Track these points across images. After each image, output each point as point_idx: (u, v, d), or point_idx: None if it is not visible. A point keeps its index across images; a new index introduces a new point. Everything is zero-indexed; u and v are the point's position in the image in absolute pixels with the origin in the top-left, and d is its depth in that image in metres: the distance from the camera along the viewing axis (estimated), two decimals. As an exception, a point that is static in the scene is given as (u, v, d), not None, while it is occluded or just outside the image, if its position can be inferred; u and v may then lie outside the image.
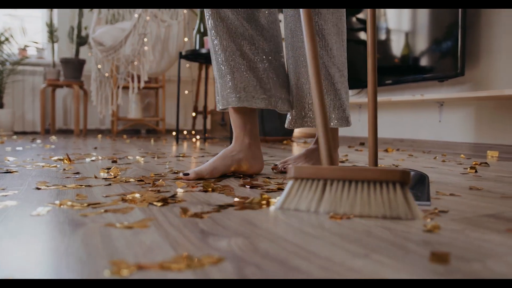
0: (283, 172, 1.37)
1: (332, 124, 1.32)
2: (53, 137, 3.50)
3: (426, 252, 0.53)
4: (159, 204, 0.80)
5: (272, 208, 0.79)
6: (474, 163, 1.70)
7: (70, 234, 0.59)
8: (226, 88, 1.27)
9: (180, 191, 0.97)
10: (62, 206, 0.78)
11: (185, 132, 4.36)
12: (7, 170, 1.30)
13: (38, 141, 3.00)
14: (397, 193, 0.73)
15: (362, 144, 3.17)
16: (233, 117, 1.30)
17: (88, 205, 0.79)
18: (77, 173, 1.27)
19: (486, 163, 1.70)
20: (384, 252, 0.53)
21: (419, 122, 2.82)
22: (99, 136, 3.96)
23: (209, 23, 1.28)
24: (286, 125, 1.39)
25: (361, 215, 0.72)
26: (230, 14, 1.25)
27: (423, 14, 2.56)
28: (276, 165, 1.41)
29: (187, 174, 1.15)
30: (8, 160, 1.61)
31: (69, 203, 0.79)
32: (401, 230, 0.63)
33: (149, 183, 1.08)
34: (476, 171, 1.43)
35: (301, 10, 0.96)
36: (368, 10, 1.06)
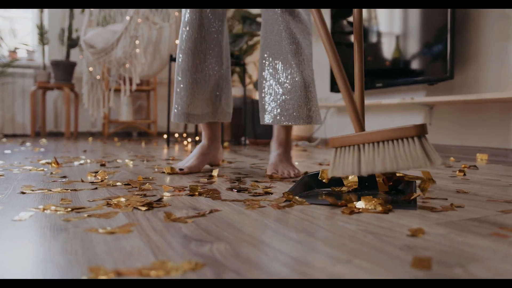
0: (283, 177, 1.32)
1: (301, 122, 1.34)
2: (43, 140, 3.48)
3: (409, 257, 0.53)
4: (144, 208, 0.79)
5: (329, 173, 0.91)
6: (463, 166, 1.71)
7: (50, 240, 0.58)
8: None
9: (166, 195, 0.96)
10: (45, 211, 0.77)
11: (176, 135, 4.34)
12: (-7, 173, 1.29)
13: (28, 144, 2.98)
14: (416, 146, 0.82)
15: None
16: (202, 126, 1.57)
17: (72, 209, 0.78)
18: (64, 177, 1.26)
19: (475, 166, 1.71)
20: (366, 257, 0.53)
21: (409, 125, 2.82)
22: (90, 139, 3.94)
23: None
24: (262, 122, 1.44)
25: (392, 170, 0.83)
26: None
27: (414, 17, 2.57)
28: (272, 174, 1.35)
29: (182, 170, 1.36)
30: (-5, 164, 1.59)
31: (53, 207, 0.78)
32: (384, 235, 0.63)
33: (136, 187, 1.07)
34: (464, 174, 1.43)
35: (313, 10, 1.07)
36: (355, 12, 1.08)
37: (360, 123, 0.97)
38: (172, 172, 1.38)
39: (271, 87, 1.38)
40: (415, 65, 2.58)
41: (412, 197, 0.89)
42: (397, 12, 2.70)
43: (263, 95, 1.40)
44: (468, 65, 2.39)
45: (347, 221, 0.73)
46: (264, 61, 1.40)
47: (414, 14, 2.56)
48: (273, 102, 1.36)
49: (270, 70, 1.38)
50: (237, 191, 1.03)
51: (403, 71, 2.65)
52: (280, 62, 1.37)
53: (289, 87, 1.34)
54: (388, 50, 2.78)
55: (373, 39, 2.93)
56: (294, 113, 1.33)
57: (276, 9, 1.39)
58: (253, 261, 0.51)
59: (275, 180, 1.26)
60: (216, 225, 0.68)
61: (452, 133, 2.51)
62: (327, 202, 0.87)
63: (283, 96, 1.34)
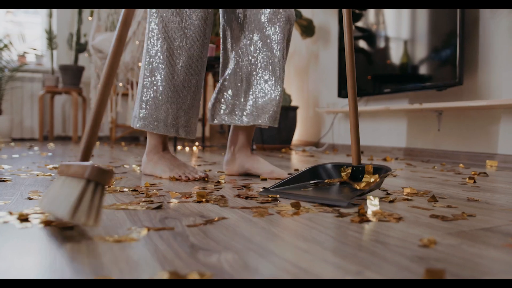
0: (263, 179, 1.42)
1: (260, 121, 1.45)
2: (51, 144, 3.49)
3: (421, 269, 0.52)
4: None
5: None
6: (472, 173, 1.69)
7: (56, 248, 0.58)
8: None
9: (173, 201, 0.96)
10: (51, 217, 0.76)
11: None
12: (1, 178, 1.29)
13: (36, 148, 2.99)
14: (77, 191, 0.64)
15: (360, 152, 3.15)
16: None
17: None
18: (71, 182, 1.26)
19: (485, 173, 1.69)
20: (377, 268, 0.52)
21: (417, 131, 2.81)
22: (97, 143, 3.95)
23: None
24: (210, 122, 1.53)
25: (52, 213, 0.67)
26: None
27: (423, 22, 2.56)
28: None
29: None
30: (3, 168, 1.59)
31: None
32: (395, 245, 0.62)
33: (143, 193, 1.06)
34: (474, 182, 1.42)
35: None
36: (344, 12, 1.10)
37: (85, 152, 0.75)
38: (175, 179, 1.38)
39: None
40: (423, 70, 2.56)
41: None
42: (406, 17, 2.68)
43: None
44: (478, 70, 2.37)
45: (357, 230, 0.71)
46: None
47: (423, 18, 2.55)
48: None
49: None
50: (245, 198, 1.02)
51: (412, 76, 2.63)
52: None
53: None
54: (396, 55, 2.77)
55: (381, 44, 2.91)
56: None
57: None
58: (262, 272, 0.50)
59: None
60: (224, 233, 0.68)
61: (461, 139, 2.49)
62: (292, 195, 1.00)
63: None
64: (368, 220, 0.79)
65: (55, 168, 1.62)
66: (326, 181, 1.17)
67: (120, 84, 3.91)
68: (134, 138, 4.95)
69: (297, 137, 4.15)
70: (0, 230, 0.67)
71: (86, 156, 0.74)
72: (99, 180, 0.64)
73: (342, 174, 1.15)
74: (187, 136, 1.45)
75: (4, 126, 4.11)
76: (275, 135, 3.47)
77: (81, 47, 4.35)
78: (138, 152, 2.75)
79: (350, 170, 1.15)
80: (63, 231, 0.67)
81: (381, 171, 1.08)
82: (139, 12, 3.56)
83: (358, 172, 1.14)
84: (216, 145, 3.45)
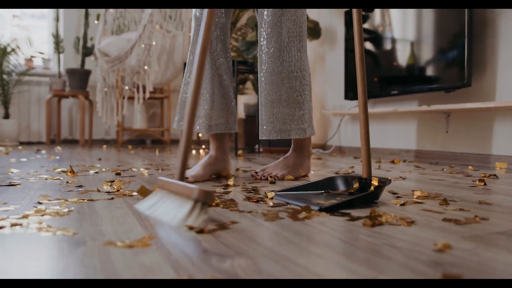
0: (264, 179, 1.45)
1: (291, 135, 1.49)
2: (58, 148, 3.50)
3: (437, 274, 0.51)
4: (161, 220, 0.78)
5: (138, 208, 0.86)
6: (482, 175, 1.68)
7: (68, 254, 0.57)
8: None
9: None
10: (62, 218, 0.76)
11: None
12: (10, 183, 1.29)
13: (43, 151, 3.00)
14: (187, 209, 0.76)
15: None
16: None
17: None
18: (80, 186, 1.26)
19: (495, 175, 1.68)
20: (393, 274, 0.51)
21: (425, 133, 2.79)
22: (104, 146, 3.96)
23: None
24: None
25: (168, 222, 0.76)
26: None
27: (430, 23, 2.54)
28: (256, 172, 1.51)
29: (187, 178, 1.37)
30: (12, 172, 1.60)
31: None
32: (410, 249, 0.61)
33: (152, 197, 1.06)
34: (485, 184, 1.40)
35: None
36: (354, 12, 1.08)
37: (182, 171, 0.89)
38: None
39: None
40: (431, 72, 2.55)
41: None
42: (412, 18, 2.67)
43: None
44: (486, 72, 2.36)
45: (370, 234, 0.71)
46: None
47: (430, 19, 2.54)
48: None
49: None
50: (256, 202, 1.01)
51: (419, 78, 2.62)
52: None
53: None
54: (404, 57, 2.76)
55: (388, 45, 2.90)
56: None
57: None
58: (276, 278, 0.49)
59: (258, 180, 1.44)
60: (236, 238, 0.67)
61: (470, 141, 2.47)
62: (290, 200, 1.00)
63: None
64: (380, 224, 0.78)
65: (64, 172, 1.63)
66: (335, 192, 1.15)
67: (126, 87, 3.92)
68: (141, 141, 4.96)
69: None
70: (11, 235, 0.67)
71: (183, 174, 0.88)
72: (205, 201, 0.77)
73: (354, 186, 1.12)
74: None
75: (12, 129, 4.13)
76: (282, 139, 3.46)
77: (87, 51, 4.37)
78: (145, 156, 2.76)
79: (357, 184, 1.12)
80: (73, 236, 0.67)
81: (383, 184, 1.05)
82: (144, 16, 3.57)
83: (367, 185, 1.11)
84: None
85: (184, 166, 0.88)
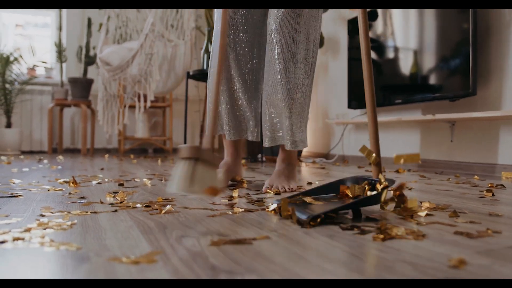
0: (277, 193, 1.40)
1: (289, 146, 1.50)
2: (60, 157, 3.49)
3: (456, 293, 0.49)
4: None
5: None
6: (489, 185, 1.66)
7: (72, 271, 0.56)
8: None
9: (189, 217, 0.94)
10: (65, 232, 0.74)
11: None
12: (12, 194, 1.28)
13: (45, 161, 2.99)
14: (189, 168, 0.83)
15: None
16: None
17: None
18: (83, 197, 1.24)
19: (502, 185, 1.66)
20: (410, 293, 0.49)
21: (430, 142, 2.77)
22: (106, 156, 3.95)
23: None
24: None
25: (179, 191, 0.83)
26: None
27: (432, 31, 2.54)
28: (267, 187, 1.47)
29: None
30: (14, 183, 1.58)
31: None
32: (424, 265, 0.59)
33: (157, 209, 1.04)
34: (493, 194, 1.38)
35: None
36: (360, 13, 1.06)
37: (210, 130, 1.02)
38: None
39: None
40: (436, 80, 2.54)
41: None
42: (416, 27, 2.67)
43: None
44: (491, 81, 2.35)
45: (381, 249, 0.69)
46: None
47: (434, 28, 2.53)
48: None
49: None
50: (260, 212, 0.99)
51: (424, 87, 2.61)
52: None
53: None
54: (408, 66, 2.75)
55: (392, 54, 2.89)
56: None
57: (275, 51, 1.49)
58: (289, 297, 0.47)
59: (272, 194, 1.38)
60: (244, 253, 0.65)
61: (475, 150, 2.45)
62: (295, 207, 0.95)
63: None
64: (390, 238, 0.76)
65: (66, 182, 1.61)
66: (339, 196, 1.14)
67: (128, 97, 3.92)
68: (143, 150, 4.95)
69: (306, 148, 4.13)
70: (13, 250, 0.65)
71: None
72: (192, 157, 0.84)
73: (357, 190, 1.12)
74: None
75: (14, 139, 4.12)
76: (284, 147, 3.45)
77: (90, 60, 4.37)
78: (147, 165, 2.74)
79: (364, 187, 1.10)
80: (77, 252, 0.65)
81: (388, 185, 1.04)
82: (146, 25, 3.58)
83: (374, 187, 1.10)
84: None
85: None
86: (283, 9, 1.45)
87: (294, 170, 1.60)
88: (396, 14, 2.84)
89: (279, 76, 1.46)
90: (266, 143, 1.55)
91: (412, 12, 2.70)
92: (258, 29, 1.59)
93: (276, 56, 1.46)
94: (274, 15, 1.47)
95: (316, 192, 1.14)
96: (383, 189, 1.00)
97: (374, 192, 1.02)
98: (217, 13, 1.57)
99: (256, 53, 1.60)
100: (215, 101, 1.09)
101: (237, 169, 1.67)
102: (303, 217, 0.88)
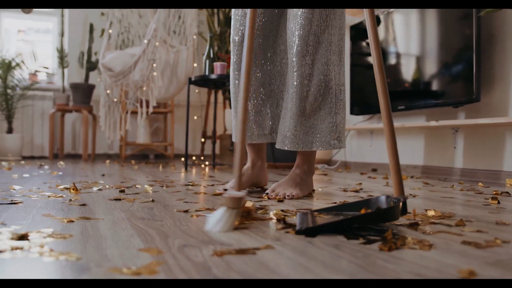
0: (280, 201, 1.37)
1: (320, 148, 1.49)
2: (61, 163, 3.48)
3: (468, 307, 0.47)
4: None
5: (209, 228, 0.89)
6: (494, 192, 1.64)
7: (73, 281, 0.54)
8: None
9: (191, 226, 0.92)
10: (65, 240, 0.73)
11: (193, 158, 4.32)
12: (12, 201, 1.26)
13: (46, 167, 2.98)
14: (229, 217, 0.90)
15: (374, 170, 3.10)
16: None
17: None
18: (84, 204, 1.23)
19: (507, 192, 1.64)
20: (420, 307, 0.47)
21: (433, 148, 2.76)
22: (107, 161, 3.93)
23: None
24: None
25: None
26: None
27: (436, 38, 2.53)
28: (267, 193, 1.45)
29: (226, 189, 1.43)
30: (14, 189, 1.57)
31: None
32: (433, 277, 0.58)
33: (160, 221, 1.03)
34: (498, 202, 1.37)
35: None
36: (366, 14, 1.02)
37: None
38: (217, 194, 1.49)
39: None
40: (439, 87, 2.52)
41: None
42: (418, 33, 2.66)
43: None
44: (495, 87, 2.33)
45: (388, 259, 0.67)
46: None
47: (438, 34, 2.52)
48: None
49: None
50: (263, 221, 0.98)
51: (427, 93, 2.60)
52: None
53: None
54: (410, 72, 2.74)
55: (394, 60, 2.89)
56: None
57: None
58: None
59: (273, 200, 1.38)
60: (247, 264, 0.64)
61: (479, 157, 2.43)
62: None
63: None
64: (397, 248, 0.74)
65: (66, 188, 1.60)
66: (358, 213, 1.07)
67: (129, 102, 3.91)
68: (144, 156, 4.94)
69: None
70: (11, 260, 0.63)
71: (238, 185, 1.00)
72: (232, 207, 0.90)
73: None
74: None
75: (15, 144, 4.12)
76: (287, 153, 3.43)
77: (92, 65, 4.37)
78: (148, 171, 2.72)
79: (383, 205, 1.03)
80: (77, 262, 0.63)
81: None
82: (148, 31, 3.57)
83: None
84: (227, 163, 3.42)
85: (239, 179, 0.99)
86: (304, 14, 1.44)
87: (308, 177, 1.55)
88: (398, 20, 2.84)
89: (295, 82, 1.47)
90: (287, 146, 1.52)
91: (415, 18, 2.69)
92: (272, 33, 1.59)
93: (295, 58, 1.47)
94: (293, 18, 1.47)
95: (343, 208, 1.08)
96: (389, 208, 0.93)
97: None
98: (236, 19, 1.57)
99: (269, 57, 1.60)
100: (244, 111, 1.03)
101: (260, 175, 1.66)
102: (298, 227, 0.87)
